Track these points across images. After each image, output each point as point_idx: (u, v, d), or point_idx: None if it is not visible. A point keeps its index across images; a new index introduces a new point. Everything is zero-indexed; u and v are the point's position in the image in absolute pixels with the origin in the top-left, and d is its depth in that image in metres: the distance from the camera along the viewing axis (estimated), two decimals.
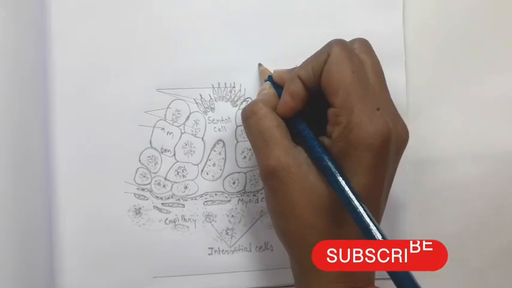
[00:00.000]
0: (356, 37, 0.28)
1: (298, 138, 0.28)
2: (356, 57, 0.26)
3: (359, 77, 0.26)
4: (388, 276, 0.23)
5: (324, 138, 0.27)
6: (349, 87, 0.25)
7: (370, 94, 0.26)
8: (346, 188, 0.24)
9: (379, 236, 0.23)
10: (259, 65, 0.34)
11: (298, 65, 0.28)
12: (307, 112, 0.28)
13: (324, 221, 0.26)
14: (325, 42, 0.27)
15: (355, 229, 0.24)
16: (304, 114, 0.28)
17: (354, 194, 0.24)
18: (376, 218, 0.27)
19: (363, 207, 0.24)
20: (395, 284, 0.23)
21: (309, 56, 0.28)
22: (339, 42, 0.26)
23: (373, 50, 0.28)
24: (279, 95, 0.29)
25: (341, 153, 0.25)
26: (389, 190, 0.28)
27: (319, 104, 0.27)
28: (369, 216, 0.23)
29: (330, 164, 0.25)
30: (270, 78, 0.31)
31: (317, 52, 0.27)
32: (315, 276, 0.26)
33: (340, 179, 0.25)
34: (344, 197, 0.24)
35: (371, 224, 0.23)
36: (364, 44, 0.28)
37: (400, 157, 0.28)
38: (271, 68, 0.34)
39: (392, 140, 0.25)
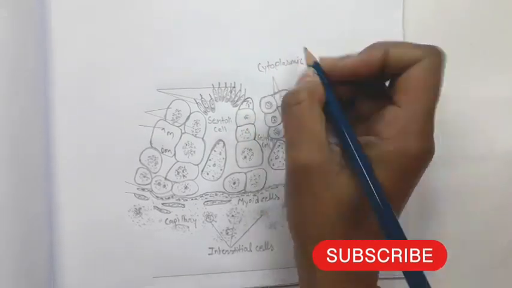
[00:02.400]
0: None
1: (336, 135, 0.27)
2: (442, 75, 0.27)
3: (436, 94, 0.26)
4: (392, 276, 0.23)
5: (370, 137, 0.26)
6: (427, 99, 0.26)
7: (433, 113, 0.26)
8: (380, 191, 0.24)
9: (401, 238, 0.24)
10: (305, 49, 0.30)
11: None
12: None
13: (344, 222, 0.26)
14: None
15: (373, 234, 0.24)
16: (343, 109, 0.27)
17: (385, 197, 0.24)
18: None
19: (391, 209, 0.24)
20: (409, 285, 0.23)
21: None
22: (443, 53, 0.27)
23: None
24: (323, 85, 0.27)
25: (384, 154, 0.25)
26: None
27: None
28: (394, 218, 0.24)
29: (366, 169, 0.25)
30: (316, 65, 0.28)
31: (411, 43, 0.27)
32: (323, 273, 0.26)
33: (375, 183, 0.25)
34: (374, 198, 0.24)
35: (396, 226, 0.24)
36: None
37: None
38: (268, 68, 0.34)
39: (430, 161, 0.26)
